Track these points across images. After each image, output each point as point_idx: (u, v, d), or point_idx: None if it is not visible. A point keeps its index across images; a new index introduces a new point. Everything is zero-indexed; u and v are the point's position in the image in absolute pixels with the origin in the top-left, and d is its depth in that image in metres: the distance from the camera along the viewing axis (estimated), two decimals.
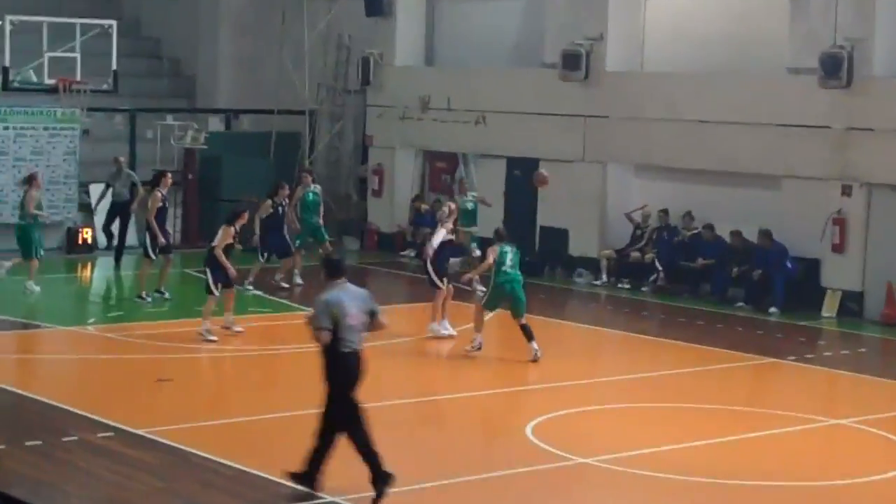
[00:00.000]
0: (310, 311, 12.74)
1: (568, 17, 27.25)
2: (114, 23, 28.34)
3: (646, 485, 13.59)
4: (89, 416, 15.21)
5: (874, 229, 23.55)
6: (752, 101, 24.66)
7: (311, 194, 25.18)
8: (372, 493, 12.39)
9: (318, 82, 32.08)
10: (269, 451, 14.11)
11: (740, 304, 24.25)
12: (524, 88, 28.20)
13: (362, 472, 12.44)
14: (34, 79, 27.52)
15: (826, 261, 23.95)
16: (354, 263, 26.84)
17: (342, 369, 12.37)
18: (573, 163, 27.21)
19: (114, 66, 28.04)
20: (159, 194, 22.77)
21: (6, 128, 28.02)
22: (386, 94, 30.59)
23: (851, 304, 23.55)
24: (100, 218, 27.74)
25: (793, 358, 20.05)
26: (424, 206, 29.48)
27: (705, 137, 25.29)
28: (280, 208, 24.07)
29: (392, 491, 12.40)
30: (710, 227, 25.32)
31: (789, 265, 23.95)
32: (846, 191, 23.56)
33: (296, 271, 24.53)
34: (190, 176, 29.63)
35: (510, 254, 19.12)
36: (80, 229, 28.47)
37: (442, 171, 30.53)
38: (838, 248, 23.69)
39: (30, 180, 23.82)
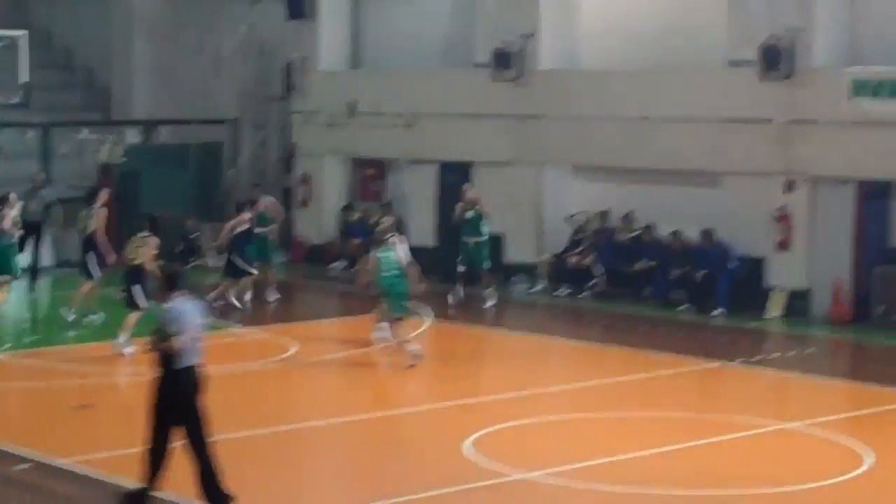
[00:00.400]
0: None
1: (498, 15, 26.92)
2: (24, 33, 27.38)
3: (595, 499, 13.40)
4: (3, 448, 14.69)
5: (820, 225, 23.39)
6: (691, 96, 24.56)
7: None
8: None
9: (240, 90, 31.62)
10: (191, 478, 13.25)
11: (684, 306, 24.02)
12: (455, 90, 27.82)
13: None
14: None
15: (771, 259, 23.76)
16: (282, 277, 26.30)
17: (183, 383, 12.33)
18: (508, 165, 26.81)
19: (24, 79, 27.16)
20: (103, 212, 22.17)
21: None
22: (311, 100, 30.06)
23: (797, 303, 23.43)
24: None
25: (740, 360, 19.88)
26: (356, 215, 28.88)
27: (644, 135, 25.06)
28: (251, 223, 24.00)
29: None
30: (649, 229, 25.03)
31: (733, 265, 23.74)
32: (790, 186, 23.36)
33: (269, 288, 24.57)
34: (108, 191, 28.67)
35: (392, 254, 19.22)
36: None
37: (372, 178, 29.80)
38: (783, 246, 23.47)
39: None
